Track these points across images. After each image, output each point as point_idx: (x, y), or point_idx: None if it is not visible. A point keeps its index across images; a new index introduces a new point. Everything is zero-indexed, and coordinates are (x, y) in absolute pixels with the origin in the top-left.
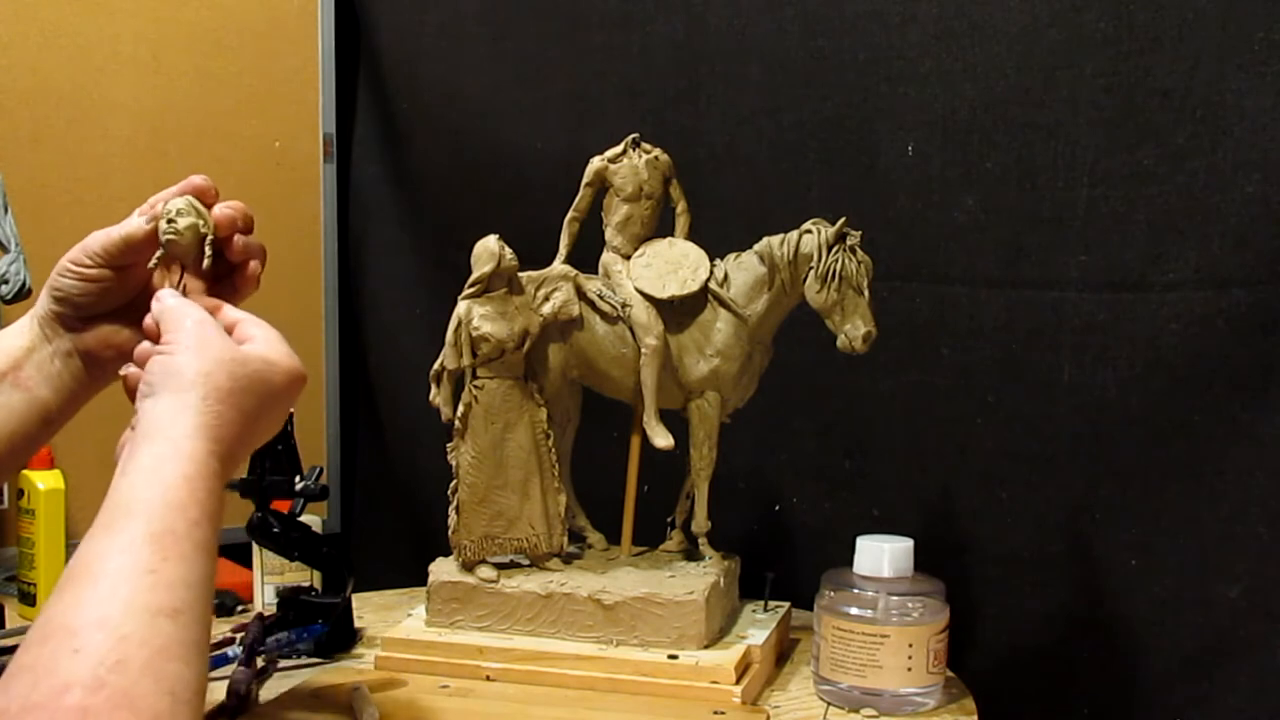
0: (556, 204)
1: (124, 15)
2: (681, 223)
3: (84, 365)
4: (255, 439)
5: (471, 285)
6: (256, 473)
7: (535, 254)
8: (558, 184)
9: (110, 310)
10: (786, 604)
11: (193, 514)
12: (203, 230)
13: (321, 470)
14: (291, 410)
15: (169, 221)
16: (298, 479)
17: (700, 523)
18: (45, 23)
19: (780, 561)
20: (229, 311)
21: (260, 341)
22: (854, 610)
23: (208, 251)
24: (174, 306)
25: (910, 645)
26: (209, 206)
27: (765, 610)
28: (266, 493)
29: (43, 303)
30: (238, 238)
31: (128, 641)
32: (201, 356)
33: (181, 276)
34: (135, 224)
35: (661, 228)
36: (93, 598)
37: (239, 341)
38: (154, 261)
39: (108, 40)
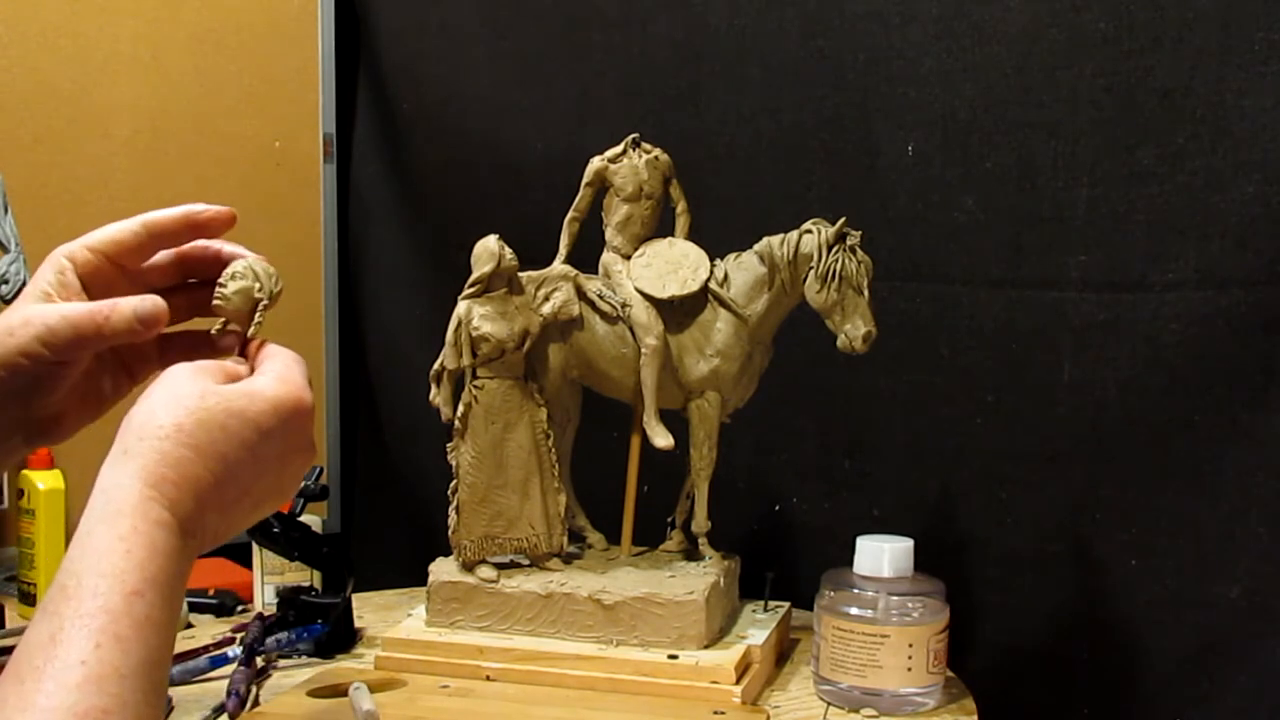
0: (556, 204)
1: (124, 15)
2: (681, 223)
3: None
4: (235, 481)
5: (471, 285)
6: None
7: (535, 254)
8: (558, 184)
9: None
10: (786, 604)
11: (131, 583)
12: (256, 295)
13: (321, 470)
14: None
15: (220, 285)
16: None
17: (700, 523)
18: (45, 23)
19: (780, 561)
20: (268, 351)
21: (258, 377)
22: (854, 610)
23: (257, 318)
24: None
25: (910, 645)
26: (211, 235)
27: (765, 610)
28: None
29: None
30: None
31: None
32: (151, 399)
33: (241, 346)
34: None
35: (661, 228)
36: (18, 701)
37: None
38: (216, 328)
39: (108, 40)
